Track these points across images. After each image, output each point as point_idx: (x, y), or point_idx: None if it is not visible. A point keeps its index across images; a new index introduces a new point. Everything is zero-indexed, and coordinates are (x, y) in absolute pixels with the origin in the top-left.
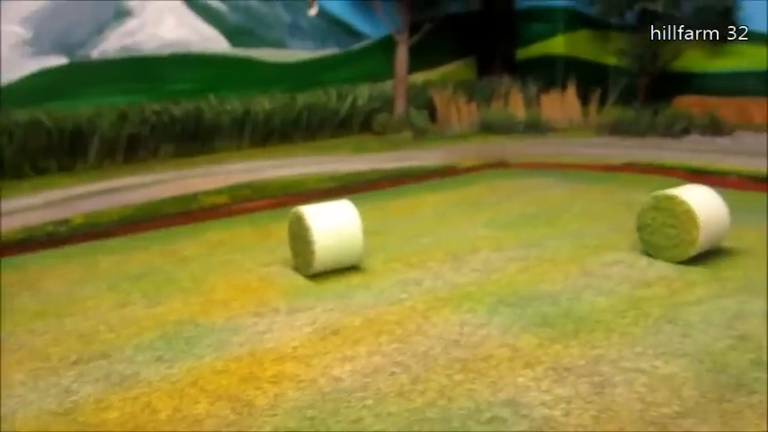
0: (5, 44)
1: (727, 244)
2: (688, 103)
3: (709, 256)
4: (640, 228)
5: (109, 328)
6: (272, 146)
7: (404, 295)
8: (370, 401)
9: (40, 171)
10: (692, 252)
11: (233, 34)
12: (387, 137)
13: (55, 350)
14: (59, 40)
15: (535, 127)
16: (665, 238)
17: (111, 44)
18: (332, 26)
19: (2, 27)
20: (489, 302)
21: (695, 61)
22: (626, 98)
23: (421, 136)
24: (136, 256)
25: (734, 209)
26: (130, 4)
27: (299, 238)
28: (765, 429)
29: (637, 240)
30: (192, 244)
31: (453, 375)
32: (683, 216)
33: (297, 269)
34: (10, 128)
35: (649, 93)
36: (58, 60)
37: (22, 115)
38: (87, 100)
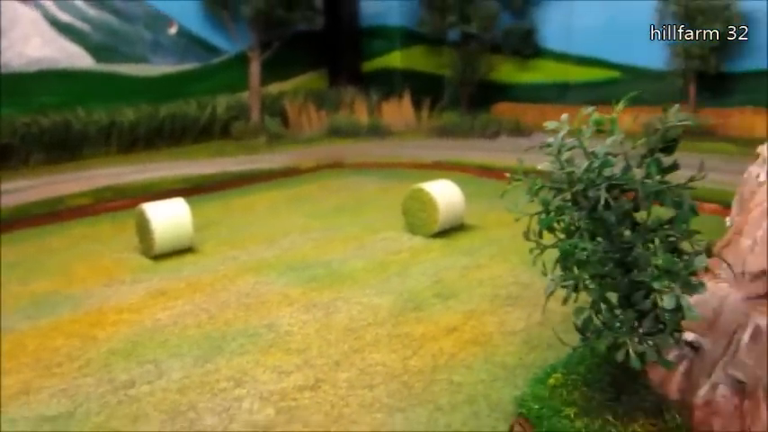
0: None
1: (470, 222)
2: (502, 110)
3: (453, 231)
4: (404, 212)
5: None
6: (137, 152)
7: (221, 267)
8: (177, 330)
9: None
10: (436, 228)
11: (97, 51)
12: (244, 142)
13: None
14: None
15: (376, 131)
16: (418, 219)
17: None
18: (191, 43)
19: None
20: (281, 269)
21: (507, 74)
22: (454, 105)
23: (275, 141)
24: (9, 250)
25: (495, 196)
26: None
27: (143, 228)
28: (424, 330)
29: (405, 222)
30: (59, 238)
31: (238, 313)
32: (428, 203)
33: (143, 253)
34: None
35: (472, 100)
36: None
37: None
38: None
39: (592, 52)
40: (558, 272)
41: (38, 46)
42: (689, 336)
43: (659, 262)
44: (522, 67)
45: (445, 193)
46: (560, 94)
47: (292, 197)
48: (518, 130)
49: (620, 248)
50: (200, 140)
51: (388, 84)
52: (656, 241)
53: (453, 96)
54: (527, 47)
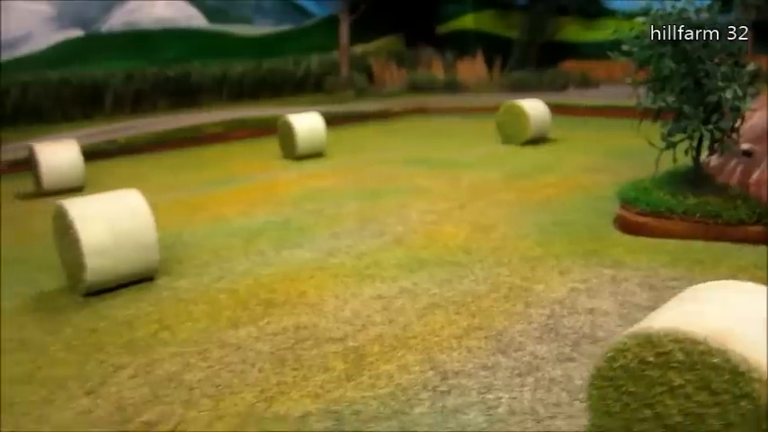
0: (37, 19)
1: (553, 136)
2: (569, 67)
3: (540, 141)
4: (498, 125)
5: (173, 180)
6: (244, 101)
7: (352, 162)
8: (338, 190)
9: (69, 118)
10: (526, 138)
11: (210, 13)
12: (334, 94)
13: (143, 190)
14: (77, 17)
15: (452, 86)
16: (511, 129)
17: (117, 20)
18: (288, 7)
19: (34, 6)
20: (403, 161)
21: (574, 33)
22: (522, 63)
23: (361, 94)
24: (169, 159)
25: (572, 123)
26: None
27: (286, 134)
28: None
29: (497, 135)
30: (206, 153)
31: (380, 181)
32: (520, 115)
33: (285, 157)
34: (46, 84)
35: (540, 58)
36: (76, 33)
37: (53, 75)
38: (99, 64)
39: None
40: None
41: (162, 7)
42: (745, 145)
43: (723, 70)
44: (588, 26)
45: (534, 107)
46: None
47: (389, 129)
48: (585, 83)
49: (695, 68)
50: (295, 93)
51: (461, 44)
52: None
53: (522, 56)
54: (592, 7)
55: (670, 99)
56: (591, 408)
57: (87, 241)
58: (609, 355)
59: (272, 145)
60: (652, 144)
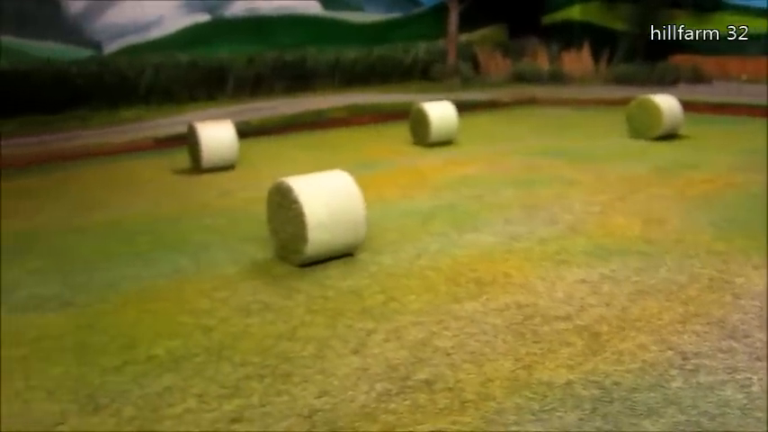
0: (170, 5)
1: (684, 133)
2: (680, 60)
3: (670, 137)
4: (628, 119)
5: (316, 161)
6: (354, 87)
7: (486, 152)
8: (487, 178)
9: (194, 99)
10: (658, 133)
11: (325, 1)
12: (441, 82)
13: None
14: (204, 2)
15: (557, 77)
16: (642, 124)
17: (239, 6)
18: None
19: None
20: (536, 152)
21: (686, 27)
22: (630, 56)
23: (467, 82)
24: (300, 140)
25: (696, 120)
26: None
27: (419, 122)
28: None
29: (626, 129)
30: (332, 136)
31: (523, 172)
32: (653, 110)
33: (416, 144)
34: (176, 66)
35: (648, 52)
36: (204, 17)
37: (183, 57)
38: (223, 47)
39: None
40: None
41: None
42: None
43: None
44: (701, 19)
45: (667, 104)
46: (741, 45)
47: (504, 119)
48: (697, 79)
49: None
50: (403, 80)
51: (567, 35)
52: None
53: (630, 48)
54: (708, 0)
55: None
56: None
57: (311, 217)
58: None
59: (396, 131)
60: None
